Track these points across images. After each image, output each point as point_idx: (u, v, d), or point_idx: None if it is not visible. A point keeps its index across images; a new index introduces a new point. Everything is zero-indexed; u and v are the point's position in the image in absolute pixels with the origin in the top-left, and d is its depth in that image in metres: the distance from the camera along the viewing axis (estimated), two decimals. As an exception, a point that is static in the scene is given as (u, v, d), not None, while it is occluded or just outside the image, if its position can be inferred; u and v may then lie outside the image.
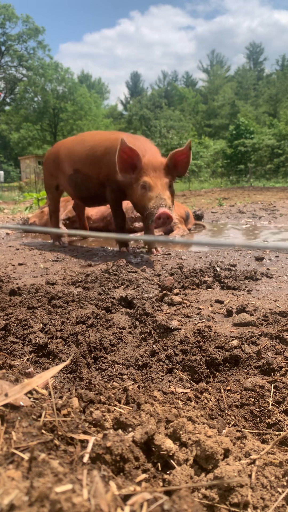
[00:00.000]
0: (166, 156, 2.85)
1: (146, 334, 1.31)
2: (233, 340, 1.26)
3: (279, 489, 0.66)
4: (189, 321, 1.49)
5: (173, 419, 0.82)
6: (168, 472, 0.71)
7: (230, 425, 0.85)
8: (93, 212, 4.69)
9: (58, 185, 3.69)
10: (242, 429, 0.83)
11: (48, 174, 3.75)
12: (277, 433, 0.83)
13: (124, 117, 42.40)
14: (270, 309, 1.60)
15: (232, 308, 1.59)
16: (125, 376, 1.05)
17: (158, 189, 2.60)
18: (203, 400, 0.93)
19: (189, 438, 0.75)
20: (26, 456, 0.61)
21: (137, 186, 2.71)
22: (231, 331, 1.37)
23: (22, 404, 0.76)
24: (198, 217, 5.27)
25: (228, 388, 0.98)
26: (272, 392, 0.94)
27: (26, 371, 1.00)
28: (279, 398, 0.92)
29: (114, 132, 3.47)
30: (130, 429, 0.78)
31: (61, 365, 0.98)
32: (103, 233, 0.59)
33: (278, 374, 1.03)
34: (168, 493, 0.63)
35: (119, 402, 0.92)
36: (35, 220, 4.77)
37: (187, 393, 0.97)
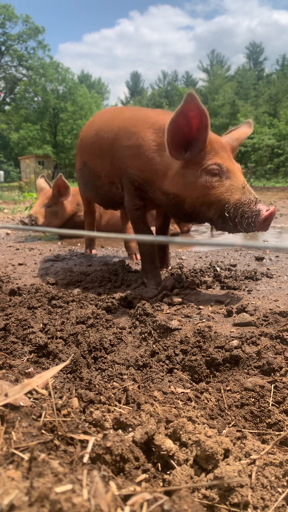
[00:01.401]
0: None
1: (146, 334, 1.31)
2: (233, 340, 1.26)
3: (279, 489, 0.66)
4: (189, 321, 1.49)
5: (173, 419, 0.82)
6: (168, 472, 0.71)
7: (230, 425, 0.85)
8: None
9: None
10: (242, 429, 0.83)
11: (80, 159, 2.75)
12: (277, 433, 0.83)
13: (124, 117, 42.35)
14: (270, 309, 1.60)
15: (232, 308, 1.59)
16: (125, 376, 1.05)
17: (239, 176, 1.79)
18: (203, 400, 0.93)
19: (189, 438, 0.75)
20: (26, 456, 0.61)
21: (197, 172, 1.77)
22: (231, 331, 1.37)
23: (22, 404, 0.76)
24: None
25: (228, 388, 0.98)
26: (272, 392, 0.94)
27: (26, 371, 1.00)
28: (279, 398, 0.92)
29: (130, 108, 2.45)
30: (130, 429, 0.78)
31: (61, 365, 0.98)
32: (103, 233, 0.59)
33: (278, 374, 1.03)
34: (168, 493, 0.63)
35: (119, 402, 0.92)
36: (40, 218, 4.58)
37: (187, 393, 0.97)
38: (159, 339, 1.29)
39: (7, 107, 40.34)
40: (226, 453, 0.72)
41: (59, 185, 4.20)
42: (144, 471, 0.70)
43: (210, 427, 0.81)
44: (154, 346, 1.22)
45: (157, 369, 1.11)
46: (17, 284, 2.08)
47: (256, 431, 0.85)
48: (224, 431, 0.81)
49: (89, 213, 3.17)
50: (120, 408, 0.89)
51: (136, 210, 2.09)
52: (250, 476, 0.67)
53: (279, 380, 0.98)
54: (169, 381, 1.05)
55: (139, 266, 2.59)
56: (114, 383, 1.01)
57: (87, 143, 2.38)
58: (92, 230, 3.01)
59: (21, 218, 4.39)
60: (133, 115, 2.16)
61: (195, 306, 1.68)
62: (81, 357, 1.15)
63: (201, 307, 1.67)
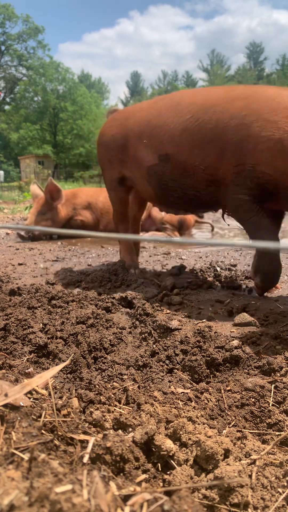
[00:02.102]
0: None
1: (146, 334, 1.31)
2: (233, 340, 1.26)
3: (280, 490, 0.66)
4: (189, 321, 1.49)
5: (173, 419, 0.82)
6: (168, 473, 0.71)
7: (231, 425, 0.85)
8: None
9: (123, 177, 2.26)
10: (243, 430, 0.83)
11: (105, 160, 2.30)
12: (277, 433, 0.83)
13: (124, 116, 42.38)
14: (270, 309, 1.59)
15: (233, 308, 1.59)
16: (125, 376, 1.05)
17: None
18: (203, 400, 0.93)
19: (189, 439, 0.75)
20: (26, 456, 0.61)
21: None
22: (231, 331, 1.36)
23: (22, 404, 0.76)
24: (199, 216, 5.26)
25: (228, 388, 0.98)
26: (272, 392, 0.94)
27: (26, 371, 1.00)
28: (279, 398, 0.92)
29: (242, 87, 1.83)
30: (130, 429, 0.78)
31: (61, 365, 0.98)
32: (103, 233, 0.59)
33: (278, 374, 1.03)
34: (168, 493, 0.63)
35: (119, 402, 0.92)
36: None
37: (187, 393, 0.97)
38: (159, 339, 1.29)
39: (7, 107, 40.34)
40: (226, 453, 0.72)
41: (51, 189, 4.10)
42: (144, 471, 0.70)
43: (210, 427, 0.81)
44: (154, 346, 1.22)
45: (157, 369, 1.11)
46: (17, 284, 2.08)
47: (256, 431, 0.85)
48: (224, 431, 0.81)
49: (122, 220, 2.47)
50: (120, 408, 0.89)
51: (254, 214, 1.70)
52: (250, 476, 0.67)
53: (279, 380, 0.98)
54: (169, 381, 1.05)
55: (140, 267, 2.59)
56: (114, 383, 1.01)
57: (172, 129, 1.84)
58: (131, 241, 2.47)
59: (18, 232, 4.29)
60: (263, 96, 1.67)
61: (195, 306, 1.68)
62: (81, 357, 1.15)
63: (201, 307, 1.67)
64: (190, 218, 4.57)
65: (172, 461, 0.73)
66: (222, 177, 1.75)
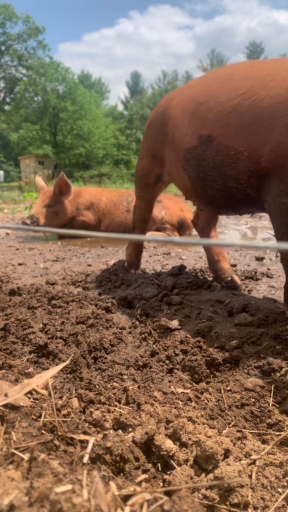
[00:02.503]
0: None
1: (146, 334, 1.31)
2: (233, 340, 1.26)
3: (280, 490, 0.66)
4: (189, 321, 1.49)
5: (173, 419, 0.82)
6: (168, 473, 0.71)
7: (231, 426, 0.85)
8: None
9: (160, 174, 2.02)
10: (243, 430, 0.83)
11: (145, 152, 2.06)
12: (277, 433, 0.83)
13: (125, 116, 42.41)
14: (270, 309, 1.59)
15: (233, 308, 1.58)
16: (125, 376, 1.05)
17: None
18: (203, 400, 0.93)
19: (189, 439, 0.75)
20: (26, 456, 0.61)
21: None
22: (231, 331, 1.36)
23: (22, 404, 0.76)
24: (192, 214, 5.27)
25: (228, 388, 0.98)
26: (272, 392, 0.94)
27: (26, 371, 1.00)
28: (279, 398, 0.92)
29: None
30: (130, 429, 0.78)
31: (61, 365, 0.98)
32: (103, 233, 0.59)
33: (278, 374, 1.03)
34: (168, 493, 0.63)
35: (119, 402, 0.92)
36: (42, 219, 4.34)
37: (187, 393, 0.97)
38: (159, 339, 1.29)
39: (7, 107, 40.34)
40: (226, 453, 0.72)
41: (61, 184, 4.15)
42: (144, 471, 0.70)
43: (210, 427, 0.81)
44: (154, 346, 1.22)
45: (157, 369, 1.11)
46: (17, 284, 2.08)
47: (256, 431, 0.85)
48: (224, 431, 0.81)
49: (143, 220, 2.28)
50: (120, 408, 0.89)
51: None
52: (250, 476, 0.67)
53: (279, 380, 0.98)
54: (169, 381, 1.05)
55: (140, 267, 2.59)
56: (114, 383, 1.01)
57: (220, 105, 1.53)
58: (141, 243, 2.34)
59: (22, 219, 4.36)
60: None
61: (195, 306, 1.68)
62: (81, 357, 1.15)
63: (201, 307, 1.67)
64: (191, 218, 4.56)
65: (172, 461, 0.73)
66: (265, 167, 1.44)
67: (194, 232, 4.74)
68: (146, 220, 2.29)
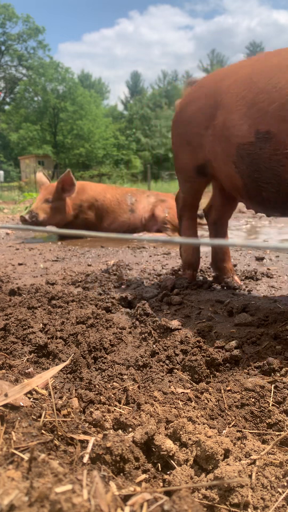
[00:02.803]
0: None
1: (146, 334, 1.31)
2: (233, 340, 1.26)
3: (280, 490, 0.66)
4: (189, 321, 1.49)
5: (173, 419, 0.82)
6: (168, 473, 0.71)
7: (231, 426, 0.85)
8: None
9: (204, 164, 1.75)
10: (243, 430, 0.83)
11: (183, 142, 1.81)
12: (277, 433, 0.83)
13: (125, 116, 42.42)
14: (270, 309, 1.59)
15: (233, 308, 1.58)
16: (125, 376, 1.05)
17: None
18: (203, 400, 0.93)
19: (189, 439, 0.75)
20: (26, 456, 0.61)
21: None
22: (231, 331, 1.36)
23: (22, 404, 0.76)
24: (199, 217, 5.25)
25: (228, 388, 0.98)
26: (272, 392, 0.94)
27: (26, 371, 1.00)
28: (279, 398, 0.92)
29: None
30: (130, 429, 0.78)
31: (61, 365, 0.98)
32: (103, 233, 0.59)
33: (278, 374, 1.03)
34: (168, 493, 0.63)
35: (119, 402, 0.92)
36: (42, 214, 4.17)
37: (187, 393, 0.97)
38: (159, 339, 1.29)
39: (7, 107, 40.34)
40: (226, 453, 0.72)
41: (65, 180, 4.03)
42: (144, 471, 0.70)
43: (210, 427, 0.81)
44: (154, 346, 1.22)
45: (157, 369, 1.11)
46: (17, 284, 2.08)
47: (256, 431, 0.85)
48: (224, 431, 0.81)
49: (193, 218, 2.07)
50: (120, 408, 0.89)
51: None
52: (250, 476, 0.67)
53: (279, 380, 0.98)
54: (169, 381, 1.05)
55: (139, 266, 2.59)
56: (114, 383, 1.01)
57: (282, 98, 1.33)
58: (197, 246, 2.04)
59: (22, 214, 4.31)
60: None
61: (195, 306, 1.68)
62: (81, 357, 1.15)
63: (201, 307, 1.67)
64: None
65: (172, 461, 0.73)
66: None
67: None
68: (193, 208, 2.03)
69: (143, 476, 0.68)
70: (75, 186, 4.08)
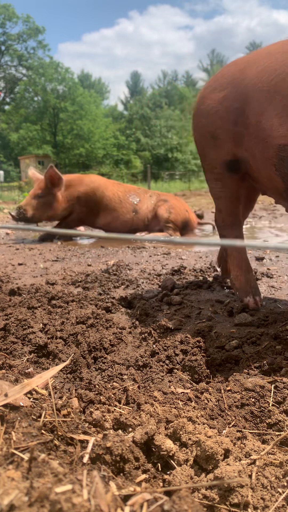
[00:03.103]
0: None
1: (146, 334, 1.31)
2: (233, 340, 1.26)
3: (280, 490, 0.66)
4: (189, 321, 1.49)
5: (173, 419, 0.82)
6: (168, 473, 0.71)
7: (231, 426, 0.85)
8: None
9: (236, 160, 1.54)
10: (243, 430, 0.83)
11: (207, 136, 1.58)
12: (277, 433, 0.83)
13: (125, 116, 42.42)
14: (270, 309, 1.59)
15: (233, 308, 1.58)
16: (125, 376, 1.05)
17: None
18: (203, 400, 0.93)
19: (189, 439, 0.75)
20: (26, 456, 0.61)
21: None
22: (231, 331, 1.36)
23: (22, 404, 0.76)
24: (199, 216, 5.24)
25: (228, 388, 0.98)
26: (272, 392, 0.94)
27: (26, 371, 1.00)
28: (279, 398, 0.92)
29: None
30: (130, 429, 0.78)
31: (61, 365, 0.98)
32: (102, 233, 0.59)
33: (278, 374, 1.03)
34: (168, 493, 0.63)
35: (119, 402, 0.92)
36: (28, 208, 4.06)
37: (187, 393, 0.97)
38: (159, 339, 1.29)
39: (7, 107, 40.35)
40: (226, 453, 0.72)
41: (51, 175, 3.94)
42: (144, 471, 0.70)
43: (210, 427, 0.81)
44: (154, 346, 1.22)
45: (157, 369, 1.11)
46: (17, 284, 2.08)
47: (256, 431, 0.85)
48: (224, 431, 0.81)
49: (232, 224, 1.71)
50: (120, 408, 0.89)
51: None
52: (250, 476, 0.67)
53: (279, 380, 0.98)
54: (169, 381, 1.05)
55: (139, 266, 2.59)
56: (114, 383, 1.01)
57: None
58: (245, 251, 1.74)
59: (9, 212, 4.14)
60: None
61: (195, 306, 1.68)
62: (81, 357, 1.15)
63: (201, 307, 1.67)
64: (194, 219, 4.52)
65: (172, 461, 0.73)
66: None
67: (198, 231, 4.72)
68: (235, 224, 1.70)
69: (143, 476, 0.68)
70: (62, 180, 3.97)
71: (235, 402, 0.92)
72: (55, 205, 4.08)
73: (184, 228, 4.35)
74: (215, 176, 1.64)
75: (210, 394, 0.96)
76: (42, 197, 4.05)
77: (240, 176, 1.58)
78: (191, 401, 0.94)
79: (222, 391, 0.96)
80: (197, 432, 0.76)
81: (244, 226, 1.82)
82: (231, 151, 1.51)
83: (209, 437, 0.75)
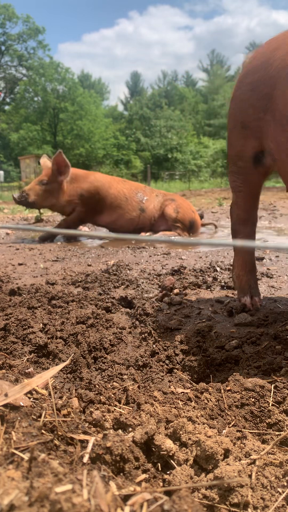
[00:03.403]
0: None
1: (146, 334, 1.31)
2: (233, 340, 1.26)
3: (279, 489, 0.66)
4: (189, 321, 1.49)
5: (173, 419, 0.82)
6: (168, 472, 0.71)
7: (230, 425, 0.85)
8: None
9: (258, 152, 1.45)
10: (242, 429, 0.83)
11: (237, 125, 1.48)
12: (277, 433, 0.83)
13: (124, 116, 42.42)
14: (270, 309, 1.59)
15: (233, 308, 1.58)
16: (125, 376, 1.05)
17: None
18: (203, 400, 0.93)
19: (189, 438, 0.75)
20: (26, 456, 0.61)
21: None
22: (231, 331, 1.37)
23: (22, 404, 0.76)
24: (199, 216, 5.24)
25: (228, 388, 0.98)
26: (272, 392, 0.94)
27: (26, 371, 1.00)
28: (279, 398, 0.92)
29: None
30: (130, 429, 0.78)
31: (61, 365, 0.98)
32: (102, 233, 0.59)
33: (278, 374, 1.03)
34: (168, 493, 0.63)
35: (119, 402, 0.92)
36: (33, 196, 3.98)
37: (187, 393, 0.97)
38: (159, 339, 1.29)
39: (7, 107, 40.35)
40: (226, 453, 0.72)
41: (58, 161, 3.87)
42: (144, 471, 0.70)
43: (210, 427, 0.81)
44: (154, 346, 1.22)
45: (157, 369, 1.11)
46: (17, 284, 2.08)
47: (256, 431, 0.85)
48: (224, 431, 0.81)
49: (247, 221, 1.65)
50: (120, 408, 0.89)
51: None
52: (250, 476, 0.67)
53: (279, 380, 0.98)
54: (169, 381, 1.05)
55: (139, 266, 2.59)
56: (114, 383, 1.01)
57: None
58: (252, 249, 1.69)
59: (13, 195, 4.07)
60: None
61: (195, 306, 1.68)
62: (81, 357, 1.15)
63: (201, 307, 1.67)
64: (199, 220, 4.50)
65: (172, 461, 0.73)
66: None
67: (202, 231, 4.71)
68: (249, 221, 1.63)
69: (143, 476, 0.68)
70: (69, 168, 3.93)
71: (235, 402, 0.92)
72: (58, 195, 4.01)
73: (191, 228, 4.33)
74: (239, 169, 1.54)
75: (210, 394, 0.96)
76: (46, 184, 3.99)
77: (264, 171, 1.48)
78: (191, 401, 0.94)
79: (222, 391, 0.96)
80: (197, 432, 0.77)
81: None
82: (259, 143, 1.40)
83: (209, 437, 0.75)
